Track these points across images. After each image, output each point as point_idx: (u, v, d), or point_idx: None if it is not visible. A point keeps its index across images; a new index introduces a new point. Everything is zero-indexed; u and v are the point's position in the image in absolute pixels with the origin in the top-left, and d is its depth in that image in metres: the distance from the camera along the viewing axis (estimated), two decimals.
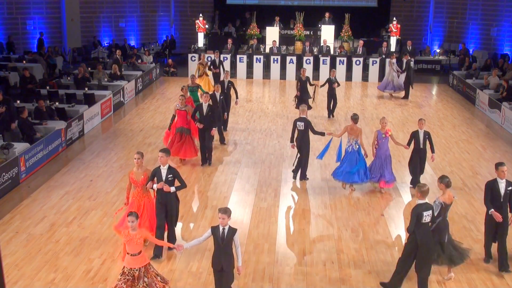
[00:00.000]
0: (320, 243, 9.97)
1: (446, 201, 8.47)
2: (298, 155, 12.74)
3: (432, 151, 12.13)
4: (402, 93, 21.27)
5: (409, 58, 21.15)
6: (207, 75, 19.99)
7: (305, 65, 24.07)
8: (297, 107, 16.99)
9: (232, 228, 7.56)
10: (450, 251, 8.57)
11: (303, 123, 12.41)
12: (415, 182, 11.89)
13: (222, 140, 15.32)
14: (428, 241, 8.03)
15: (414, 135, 12.08)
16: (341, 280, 8.82)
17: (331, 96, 18.27)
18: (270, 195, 12.10)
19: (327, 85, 18.22)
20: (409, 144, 12.21)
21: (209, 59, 20.81)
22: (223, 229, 7.51)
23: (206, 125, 13.24)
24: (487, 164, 14.26)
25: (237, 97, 16.78)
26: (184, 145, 13.37)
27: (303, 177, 12.78)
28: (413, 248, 8.08)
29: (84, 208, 11.25)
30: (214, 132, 13.52)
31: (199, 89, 16.47)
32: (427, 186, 8.12)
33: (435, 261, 8.46)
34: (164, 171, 9.12)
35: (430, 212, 8.00)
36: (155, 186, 9.15)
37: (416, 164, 12.24)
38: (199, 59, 20.98)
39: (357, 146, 12.04)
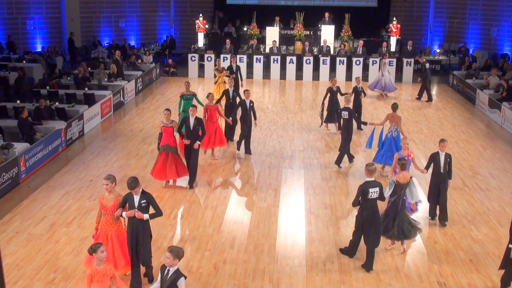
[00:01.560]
0: (320, 243, 9.97)
1: (400, 180, 9.35)
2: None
3: (449, 176, 10.61)
4: (393, 93, 21.39)
5: (425, 60, 21.25)
6: (224, 82, 18.92)
7: (305, 65, 24.17)
8: (327, 121, 16.49)
9: (180, 272, 6.56)
10: (403, 225, 9.38)
11: (347, 112, 13.47)
12: (432, 213, 10.88)
13: (229, 138, 15.13)
14: (374, 215, 8.92)
15: (434, 158, 10.60)
16: (341, 280, 8.82)
17: (357, 107, 16.44)
18: (270, 195, 12.10)
19: (353, 95, 16.50)
20: (427, 167, 10.77)
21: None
22: (168, 270, 6.60)
23: (192, 141, 12.11)
24: (487, 164, 14.26)
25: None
26: (171, 166, 11.93)
27: (338, 163, 13.81)
28: (360, 221, 9.03)
29: (84, 208, 11.25)
30: (197, 146, 12.17)
31: (194, 99, 14.89)
32: (374, 165, 9.07)
33: (386, 234, 9.40)
34: (136, 197, 8.02)
35: (377, 189, 8.83)
36: (124, 214, 8.07)
37: (435, 192, 10.68)
38: (215, 65, 20.04)
39: (396, 133, 12.98)
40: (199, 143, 12.23)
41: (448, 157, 10.60)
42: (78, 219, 10.75)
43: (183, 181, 12.45)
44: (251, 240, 10.03)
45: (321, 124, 16.66)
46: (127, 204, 8.08)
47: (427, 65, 21.01)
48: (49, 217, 10.80)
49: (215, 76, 19.45)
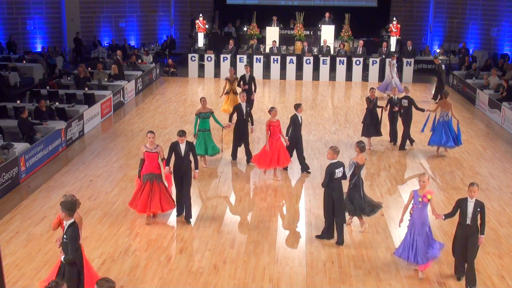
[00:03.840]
0: (320, 243, 9.97)
1: (359, 162, 10.04)
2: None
3: (481, 231, 8.51)
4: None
5: (440, 62, 21.18)
6: (235, 93, 17.10)
7: (305, 65, 24.16)
8: (368, 135, 15.08)
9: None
10: (363, 204, 10.13)
11: (407, 100, 14.72)
12: (458, 271, 8.88)
13: (248, 159, 13.87)
14: (340, 194, 9.76)
15: (460, 205, 8.58)
16: (341, 280, 8.82)
17: (392, 119, 15.35)
18: (270, 195, 12.10)
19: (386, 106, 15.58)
20: (449, 215, 8.79)
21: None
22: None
23: (184, 169, 10.59)
24: (487, 164, 14.27)
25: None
26: (155, 196, 10.35)
27: (403, 147, 15.04)
28: (329, 200, 9.72)
29: (84, 208, 11.23)
30: (197, 175, 10.96)
31: (212, 116, 13.45)
32: (338, 148, 9.76)
33: (351, 211, 10.22)
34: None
35: (341, 169, 9.63)
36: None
37: (460, 245, 8.67)
38: (228, 73, 17.58)
39: (448, 117, 14.36)
40: (197, 170, 10.90)
41: (479, 206, 8.44)
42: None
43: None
44: (251, 240, 10.03)
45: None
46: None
47: (443, 66, 20.94)
48: (49, 217, 10.79)
49: (229, 85, 17.18)
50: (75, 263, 7.10)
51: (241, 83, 17.06)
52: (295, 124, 12.92)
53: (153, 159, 10.38)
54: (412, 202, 8.79)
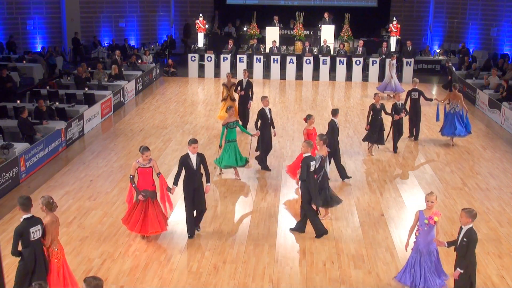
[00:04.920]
0: (320, 243, 9.97)
1: (324, 155, 10.49)
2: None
3: (459, 265, 7.50)
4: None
5: (450, 64, 21.16)
6: (232, 99, 16.43)
7: (305, 65, 24.16)
8: (368, 140, 14.56)
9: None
10: (327, 196, 10.54)
11: (417, 93, 15.67)
12: None
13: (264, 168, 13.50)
14: (315, 186, 9.99)
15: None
16: (341, 280, 8.82)
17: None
18: (270, 195, 12.10)
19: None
20: (453, 244, 7.72)
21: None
22: None
23: (196, 184, 9.75)
24: (487, 164, 14.26)
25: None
26: (150, 216, 9.58)
27: (416, 137, 15.93)
28: (305, 193, 9.86)
29: (84, 208, 11.25)
30: (209, 188, 10.04)
31: (238, 126, 12.79)
32: (312, 141, 10.27)
33: (327, 205, 10.64)
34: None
35: (314, 162, 9.91)
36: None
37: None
38: (226, 78, 16.76)
39: (459, 109, 15.14)
40: (209, 184, 9.94)
41: (467, 235, 7.42)
42: (78, 219, 10.75)
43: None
44: (251, 240, 10.02)
45: (369, 147, 14.80)
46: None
47: (454, 68, 20.91)
48: None
49: (226, 91, 16.49)
50: (22, 259, 7.27)
51: (238, 88, 16.18)
52: (333, 130, 12.58)
53: (148, 174, 9.47)
54: (417, 223, 7.95)
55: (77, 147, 15.26)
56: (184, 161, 9.62)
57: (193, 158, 9.63)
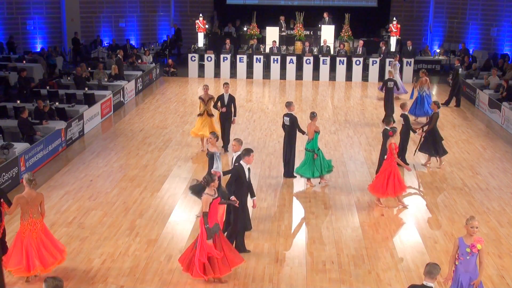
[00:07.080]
0: (320, 243, 9.97)
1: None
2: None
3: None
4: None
5: (460, 68, 21.03)
6: (209, 115, 14.48)
7: (305, 65, 24.14)
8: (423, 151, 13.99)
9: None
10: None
11: (392, 82, 17.60)
12: None
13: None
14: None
15: None
16: (341, 280, 8.82)
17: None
18: (270, 195, 12.10)
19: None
20: None
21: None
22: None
23: (246, 198, 9.39)
24: (487, 164, 14.26)
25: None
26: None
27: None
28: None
29: (84, 208, 11.25)
30: (255, 202, 9.56)
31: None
32: (241, 139, 10.50)
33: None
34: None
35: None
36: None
37: None
38: (202, 91, 14.73)
39: (426, 93, 17.62)
40: (255, 198, 9.47)
41: None
42: (78, 219, 10.75)
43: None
44: (251, 240, 10.02)
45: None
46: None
47: (460, 70, 20.83)
48: (49, 217, 10.78)
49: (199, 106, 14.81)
50: None
51: (218, 104, 14.27)
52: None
53: (216, 205, 8.35)
54: (458, 252, 7.18)
55: (77, 147, 15.26)
56: (241, 173, 9.05)
57: (246, 169, 9.16)
